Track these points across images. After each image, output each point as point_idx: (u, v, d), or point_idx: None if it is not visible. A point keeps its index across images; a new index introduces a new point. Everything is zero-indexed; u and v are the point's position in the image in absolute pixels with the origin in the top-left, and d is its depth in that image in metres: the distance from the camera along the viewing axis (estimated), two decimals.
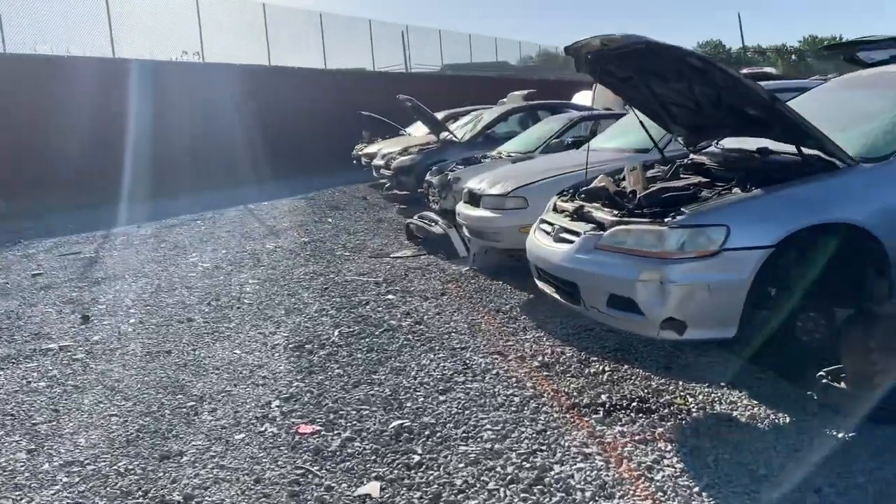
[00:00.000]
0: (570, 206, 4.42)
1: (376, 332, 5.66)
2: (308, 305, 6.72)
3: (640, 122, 5.13)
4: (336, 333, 5.73)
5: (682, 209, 3.56)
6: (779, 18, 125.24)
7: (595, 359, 4.76)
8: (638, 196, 3.96)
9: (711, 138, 4.64)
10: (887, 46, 10.51)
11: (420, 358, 5.01)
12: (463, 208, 6.98)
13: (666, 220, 3.51)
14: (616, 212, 3.90)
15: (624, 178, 4.57)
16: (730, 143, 4.60)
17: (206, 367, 5.18)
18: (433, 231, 8.75)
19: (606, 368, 4.57)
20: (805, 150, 3.73)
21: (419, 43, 31.79)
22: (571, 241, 4.03)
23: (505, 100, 17.75)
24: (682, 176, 4.39)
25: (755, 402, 3.95)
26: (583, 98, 14.81)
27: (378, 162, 14.06)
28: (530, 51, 42.41)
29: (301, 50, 26.21)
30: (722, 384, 4.20)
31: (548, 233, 4.44)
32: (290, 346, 5.52)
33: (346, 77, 25.20)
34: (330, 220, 12.36)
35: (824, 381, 3.70)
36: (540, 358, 4.84)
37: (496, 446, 3.59)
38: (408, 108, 11.97)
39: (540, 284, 4.67)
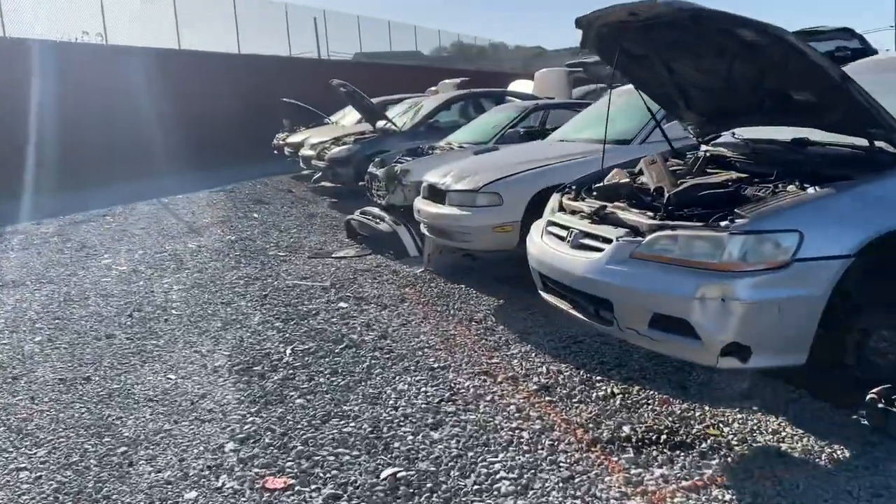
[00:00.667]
0: (583, 205, 3.79)
1: (336, 350, 4.91)
2: (248, 316, 5.89)
3: (648, 109, 4.55)
4: (288, 351, 4.94)
5: (735, 211, 2.98)
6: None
7: (599, 379, 4.16)
8: (667, 194, 3.37)
9: (736, 126, 4.10)
10: (833, 38, 10.38)
11: (395, 381, 4.30)
12: (422, 205, 6.28)
13: (723, 223, 2.91)
14: (650, 213, 3.29)
15: (640, 173, 3.98)
16: (750, 133, 4.07)
17: (137, 399, 4.32)
18: (379, 228, 8.02)
19: (615, 391, 3.98)
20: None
21: (337, 29, 30.69)
22: (598, 249, 3.40)
23: (435, 88, 17.08)
24: (708, 171, 3.83)
25: (800, 430, 3.43)
26: (520, 87, 14.29)
27: (306, 152, 13.15)
28: (449, 40, 41.82)
29: (213, 34, 24.82)
30: (754, 408, 3.67)
31: (561, 237, 3.79)
32: (236, 368, 4.71)
33: (262, 63, 23.93)
34: (256, 215, 11.41)
35: (880, 404, 3.22)
36: (536, 379, 4.21)
37: (520, 503, 2.94)
38: (342, 94, 11.15)
39: (549, 298, 4.02)
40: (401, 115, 11.27)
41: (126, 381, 4.62)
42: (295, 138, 15.44)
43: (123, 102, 17.94)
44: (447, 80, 16.83)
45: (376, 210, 8.42)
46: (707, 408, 3.71)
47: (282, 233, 9.77)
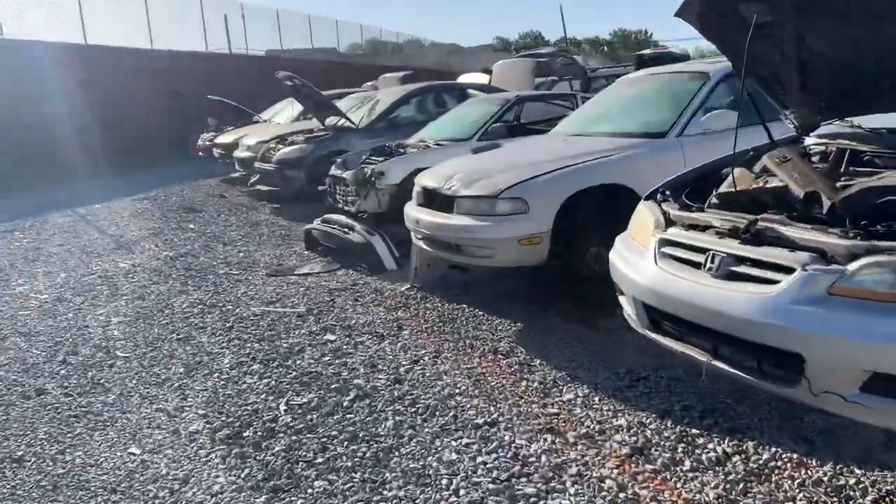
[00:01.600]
0: (711, 217, 2.92)
1: (344, 402, 3.91)
2: (216, 357, 4.82)
3: (749, 95, 3.69)
4: (283, 407, 3.92)
5: None
6: (592, 12, 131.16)
7: (696, 433, 3.33)
8: (830, 201, 2.56)
9: (861, 112, 3.33)
10: None
11: (437, 447, 3.36)
12: (418, 213, 5.31)
13: None
14: (835, 229, 2.45)
15: (764, 173, 3.16)
16: (864, 121, 3.31)
17: (93, 490, 3.23)
18: (349, 239, 7.01)
19: (727, 450, 3.14)
20: None
21: (255, 24, 29.11)
22: (766, 280, 2.53)
23: (374, 83, 16.06)
24: (855, 169, 3.04)
25: None
26: (472, 80, 13.42)
27: (243, 154, 11.93)
28: (371, 35, 40.64)
29: (122, 29, 22.99)
30: None
31: (692, 263, 2.90)
32: (220, 434, 3.67)
33: (179, 59, 22.29)
34: (192, 225, 10.15)
35: None
36: (619, 437, 3.34)
37: None
38: (288, 87, 10.02)
39: (664, 342, 3.14)
40: (352, 112, 10.21)
41: (73, 460, 3.52)
42: (225, 138, 14.14)
43: (24, 102, 16.19)
44: (388, 75, 15.83)
45: (343, 218, 7.39)
46: (859, 470, 2.92)
47: (227, 246, 8.60)
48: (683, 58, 11.01)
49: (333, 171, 7.77)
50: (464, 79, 14.11)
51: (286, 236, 9.00)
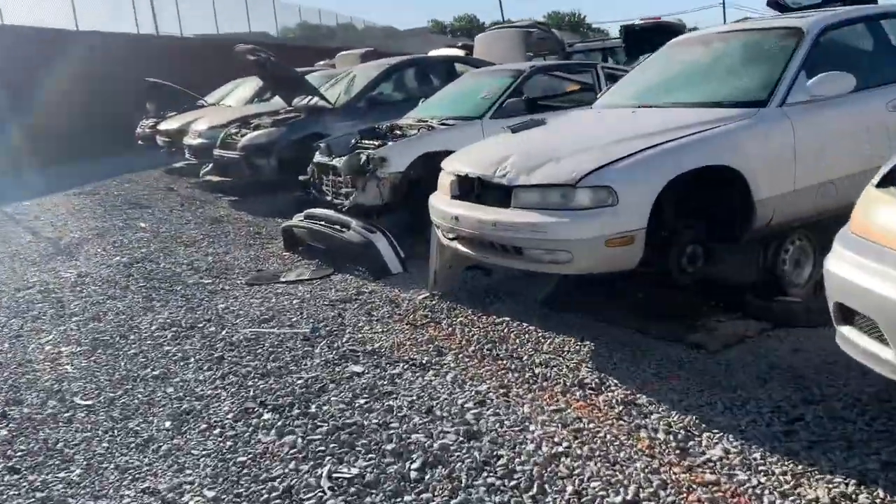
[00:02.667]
0: None
1: (412, 474, 2.86)
2: (210, 403, 3.70)
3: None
4: (326, 484, 2.84)
5: None
6: None
7: None
8: None
9: None
10: None
11: None
12: (457, 208, 4.24)
13: None
14: None
15: None
16: None
17: None
18: (344, 239, 5.90)
19: None
20: None
21: (191, 6, 27.26)
22: None
23: (331, 61, 14.83)
24: None
25: None
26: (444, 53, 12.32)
27: (194, 141, 10.61)
28: (310, 17, 38.95)
29: (43, 7, 21.05)
30: None
31: None
32: None
33: (109, 42, 20.51)
34: (142, 224, 8.85)
35: None
36: None
37: None
38: (251, 63, 8.74)
39: None
40: (323, 91, 9.01)
41: None
42: (169, 125, 12.73)
43: None
44: (345, 52, 14.60)
45: (332, 213, 6.27)
46: None
47: (189, 248, 7.37)
48: (680, 29, 10.17)
49: (319, 158, 6.62)
50: (434, 54, 12.98)
51: (256, 235, 7.82)
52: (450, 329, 4.46)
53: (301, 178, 7.07)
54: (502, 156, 4.07)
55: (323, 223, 6.22)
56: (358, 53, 13.64)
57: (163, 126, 13.03)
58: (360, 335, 4.48)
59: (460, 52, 11.96)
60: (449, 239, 4.47)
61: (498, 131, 6.08)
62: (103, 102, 17.91)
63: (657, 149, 3.67)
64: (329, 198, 6.43)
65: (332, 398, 3.60)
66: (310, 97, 8.48)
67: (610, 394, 3.41)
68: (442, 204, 4.45)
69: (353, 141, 6.52)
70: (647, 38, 10.14)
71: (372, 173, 5.79)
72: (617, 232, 3.54)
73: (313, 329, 4.59)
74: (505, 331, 4.36)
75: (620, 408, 3.26)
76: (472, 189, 4.22)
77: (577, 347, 4.01)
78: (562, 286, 4.91)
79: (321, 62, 15.91)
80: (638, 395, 3.37)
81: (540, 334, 4.24)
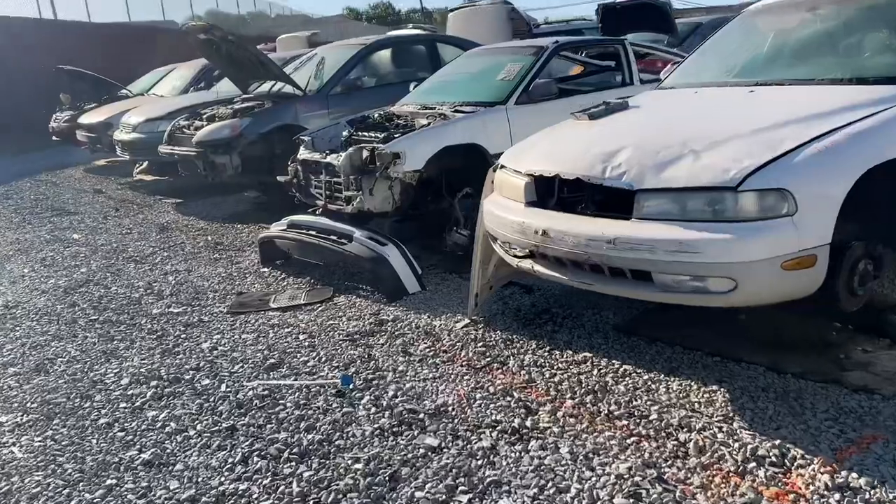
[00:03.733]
0: None
1: None
2: None
3: None
4: None
5: None
6: None
7: None
8: None
9: None
10: None
11: None
12: (550, 220, 3.22)
13: None
14: None
15: None
16: None
17: None
18: (347, 253, 4.86)
19: None
20: None
21: None
22: None
23: (272, 45, 13.55)
24: None
25: None
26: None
27: (126, 136, 9.24)
28: (228, 6, 36.97)
29: None
30: None
31: None
32: None
33: (7, 25, 18.49)
34: (75, 235, 7.52)
35: None
36: None
37: None
38: (200, 43, 7.44)
39: None
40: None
41: None
42: (92, 118, 11.24)
43: None
44: (286, 36, 13.36)
45: (326, 221, 5.20)
46: None
47: (141, 265, 6.15)
48: (665, 6, 9.41)
49: (305, 154, 5.50)
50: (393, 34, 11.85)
51: (218, 245, 6.64)
52: (524, 373, 3.50)
53: (280, 178, 5.93)
54: (607, 150, 3.11)
55: (316, 233, 5.14)
56: (303, 36, 12.40)
57: (84, 119, 11.51)
58: (408, 385, 3.46)
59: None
60: (519, 257, 3.49)
61: (528, 119, 5.18)
62: (4, 93, 16.14)
63: (837, 136, 2.78)
64: (321, 202, 5.33)
65: (417, 493, 2.59)
66: (273, 83, 7.31)
67: (803, 471, 2.53)
68: (511, 213, 3.46)
69: (345, 133, 5.45)
70: (628, 17, 9.31)
71: (383, 172, 4.74)
72: (796, 250, 2.64)
73: (345, 379, 3.54)
74: (596, 373, 3.43)
75: (836, 496, 2.38)
76: (556, 193, 3.25)
77: (707, 396, 3.11)
78: (643, 310, 4.01)
79: (260, 46, 14.58)
80: (842, 472, 2.49)
81: (647, 377, 3.33)
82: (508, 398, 3.24)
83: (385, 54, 7.79)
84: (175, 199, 9.07)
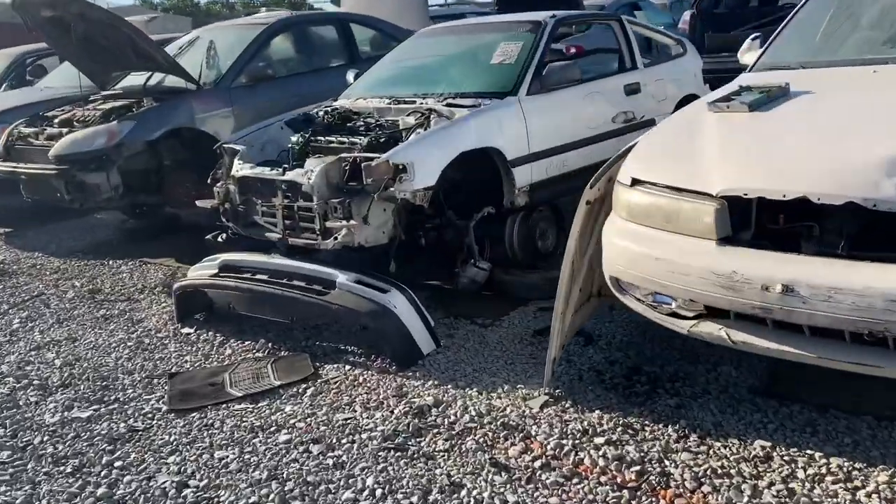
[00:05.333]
0: None
1: None
2: None
3: None
4: None
5: None
6: None
7: None
8: None
9: None
10: None
11: None
12: (824, 272, 2.08)
13: None
14: None
15: None
16: None
17: None
18: (333, 306, 3.48)
19: None
20: None
21: None
22: None
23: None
24: None
25: None
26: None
27: None
28: None
29: None
30: None
31: None
32: None
33: None
34: None
35: None
36: None
37: None
38: (43, 19, 5.42)
39: None
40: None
41: None
42: None
43: None
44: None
45: (285, 261, 3.78)
46: None
47: (20, 340, 4.35)
48: None
49: (245, 170, 3.96)
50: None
51: (96, 294, 4.93)
52: (704, 492, 2.37)
53: (202, 204, 4.34)
54: (868, 159, 2.04)
55: (271, 279, 3.71)
56: (143, 20, 10.38)
57: None
58: None
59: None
60: (689, 318, 2.35)
61: (545, 113, 4.04)
62: None
63: None
64: (278, 236, 3.86)
65: None
66: (150, 75, 5.59)
67: None
68: (691, 254, 2.31)
69: (295, 139, 4.02)
70: None
71: (381, 192, 3.39)
72: None
73: None
74: (803, 476, 2.38)
75: None
76: (753, 223, 2.15)
77: None
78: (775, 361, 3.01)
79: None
80: None
81: (868, 471, 2.33)
82: None
83: (291, 37, 6.28)
84: (3, 229, 7.00)
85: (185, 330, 4.12)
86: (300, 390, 3.30)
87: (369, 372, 3.41)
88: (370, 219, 3.45)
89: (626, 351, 3.40)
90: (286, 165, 3.78)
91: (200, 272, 4.08)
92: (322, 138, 3.98)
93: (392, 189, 3.39)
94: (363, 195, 3.47)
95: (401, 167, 3.38)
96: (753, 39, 3.58)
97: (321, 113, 4.40)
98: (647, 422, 2.79)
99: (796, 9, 3.58)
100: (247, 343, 3.85)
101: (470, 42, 4.82)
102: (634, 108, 4.69)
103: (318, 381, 3.37)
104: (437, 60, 4.81)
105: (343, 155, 3.60)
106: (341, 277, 3.56)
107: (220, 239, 5.47)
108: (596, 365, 3.29)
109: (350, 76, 5.02)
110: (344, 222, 3.45)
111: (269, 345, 3.79)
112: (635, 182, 2.54)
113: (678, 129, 2.81)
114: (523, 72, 4.09)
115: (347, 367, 3.48)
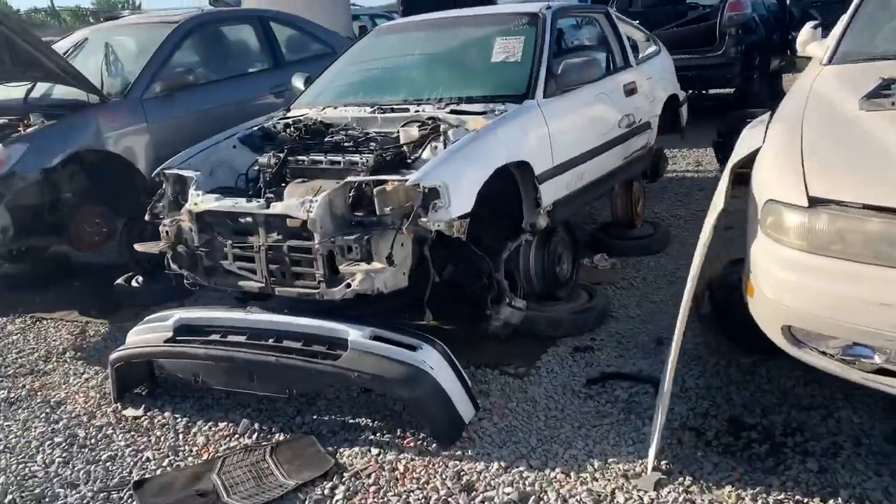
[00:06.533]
0: None
1: None
2: None
3: None
4: None
5: None
6: None
7: None
8: None
9: None
10: None
11: None
12: None
13: None
14: None
15: None
16: None
17: None
18: (351, 372, 2.71)
19: None
20: None
21: None
22: None
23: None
24: None
25: None
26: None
27: None
28: None
29: None
30: None
31: None
32: None
33: None
34: None
35: None
36: None
37: None
38: None
39: None
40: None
41: None
42: None
43: None
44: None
45: (263, 316, 2.96)
46: None
47: None
48: None
49: (209, 203, 3.04)
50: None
51: (21, 367, 3.86)
52: None
53: (142, 248, 3.37)
54: None
55: (259, 341, 2.88)
56: (112, 23, 8.85)
57: None
58: None
59: None
60: None
61: (563, 118, 3.45)
62: None
63: None
64: (259, 285, 3.00)
65: None
66: (33, 85, 4.47)
67: None
68: None
69: (265, 161, 3.19)
70: None
71: (409, 223, 2.65)
72: None
73: None
74: None
75: None
76: None
77: None
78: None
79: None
80: None
81: None
82: None
83: (206, 38, 5.30)
84: None
85: (129, 412, 3.20)
86: (326, 492, 2.51)
87: (406, 455, 2.67)
88: (394, 259, 2.69)
89: (709, 398, 2.84)
90: (269, 194, 2.94)
91: (148, 336, 3.16)
92: (304, 158, 3.17)
93: (425, 219, 2.66)
94: (384, 229, 2.72)
95: (429, 190, 2.65)
96: (815, 28, 3.13)
97: (279, 126, 3.57)
98: (798, 496, 2.24)
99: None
100: (222, 426, 3.00)
101: (453, 39, 4.10)
102: (634, 110, 4.18)
103: (345, 474, 2.59)
104: (420, 61, 4.07)
105: (350, 179, 2.82)
106: (353, 334, 2.79)
107: (134, 283, 4.56)
108: (686, 420, 2.71)
109: (298, 81, 4.19)
110: (363, 265, 2.67)
111: (255, 425, 2.95)
112: (815, 202, 1.98)
113: (837, 135, 2.27)
114: (535, 70, 3.45)
115: (374, 449, 2.72)
